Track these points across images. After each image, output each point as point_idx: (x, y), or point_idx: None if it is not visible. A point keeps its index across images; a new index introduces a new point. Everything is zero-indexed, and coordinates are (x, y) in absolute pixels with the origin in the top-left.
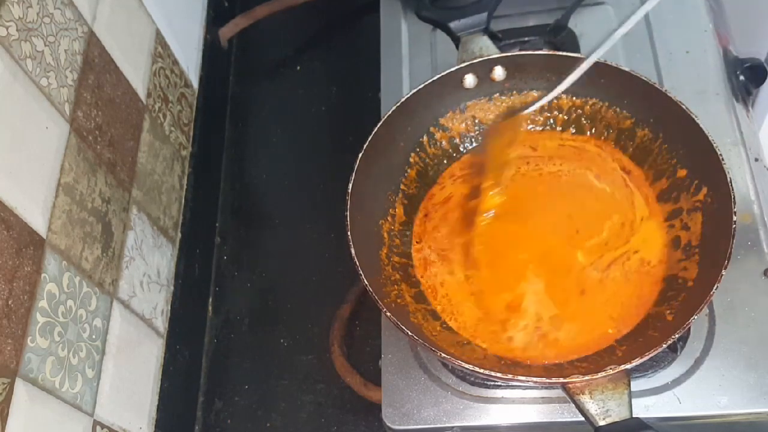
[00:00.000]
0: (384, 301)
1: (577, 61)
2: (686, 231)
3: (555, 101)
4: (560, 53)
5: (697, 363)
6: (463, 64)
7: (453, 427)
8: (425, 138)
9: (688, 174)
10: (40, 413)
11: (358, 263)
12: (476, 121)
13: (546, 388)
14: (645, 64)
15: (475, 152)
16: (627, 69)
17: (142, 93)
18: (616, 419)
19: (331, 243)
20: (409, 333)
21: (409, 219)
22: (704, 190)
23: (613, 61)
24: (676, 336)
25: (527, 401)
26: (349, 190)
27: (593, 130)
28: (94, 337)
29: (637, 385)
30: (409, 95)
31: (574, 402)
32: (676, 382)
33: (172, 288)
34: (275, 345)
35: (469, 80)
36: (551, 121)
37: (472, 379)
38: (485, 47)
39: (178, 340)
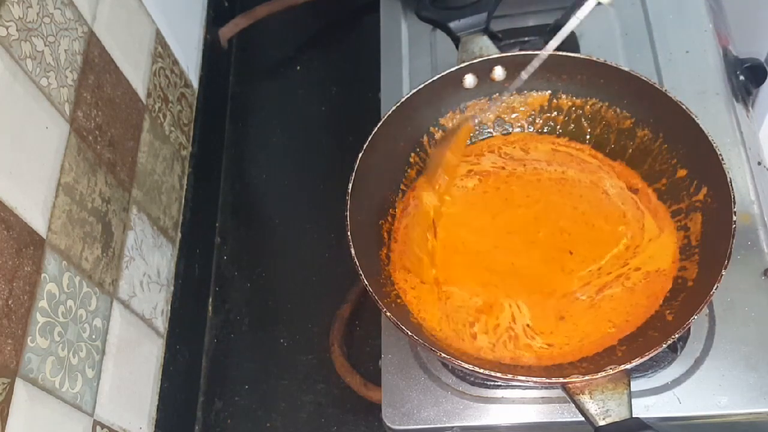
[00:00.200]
0: (384, 301)
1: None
2: (686, 231)
3: (555, 102)
4: (560, 53)
5: (697, 363)
6: (463, 64)
7: (453, 427)
8: (425, 138)
9: (688, 174)
10: (40, 413)
11: (358, 263)
12: (476, 121)
13: (546, 388)
14: (645, 64)
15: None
16: (627, 69)
17: (142, 93)
18: (616, 419)
19: (331, 243)
20: (409, 333)
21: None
22: (704, 190)
23: (613, 61)
24: (676, 336)
25: (527, 401)
26: (349, 190)
27: (591, 135)
28: (94, 337)
29: (637, 385)
30: (409, 95)
31: (574, 402)
32: (676, 382)
33: (172, 288)
34: (275, 345)
35: (469, 80)
36: (551, 123)
37: (472, 379)
38: (485, 47)
39: (178, 340)
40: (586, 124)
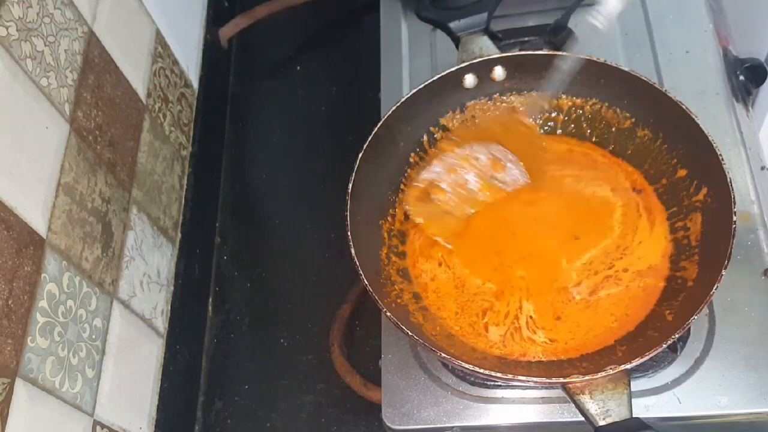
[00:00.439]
0: (384, 301)
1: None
2: (686, 231)
3: (555, 102)
4: (560, 53)
5: (697, 363)
6: (463, 64)
7: (453, 427)
8: (425, 138)
9: (688, 174)
10: (40, 413)
11: (358, 263)
12: (476, 121)
13: (546, 388)
14: (645, 64)
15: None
16: (627, 69)
17: (142, 93)
18: (616, 419)
19: (331, 243)
20: (409, 333)
21: (408, 219)
22: (704, 190)
23: (613, 61)
24: (676, 336)
25: (527, 401)
26: (349, 190)
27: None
28: (94, 337)
29: (637, 385)
30: (409, 95)
31: (574, 402)
32: (676, 382)
33: (172, 288)
34: (275, 345)
35: (469, 80)
36: (551, 123)
37: (472, 379)
38: (485, 47)
39: (178, 340)
40: (585, 125)
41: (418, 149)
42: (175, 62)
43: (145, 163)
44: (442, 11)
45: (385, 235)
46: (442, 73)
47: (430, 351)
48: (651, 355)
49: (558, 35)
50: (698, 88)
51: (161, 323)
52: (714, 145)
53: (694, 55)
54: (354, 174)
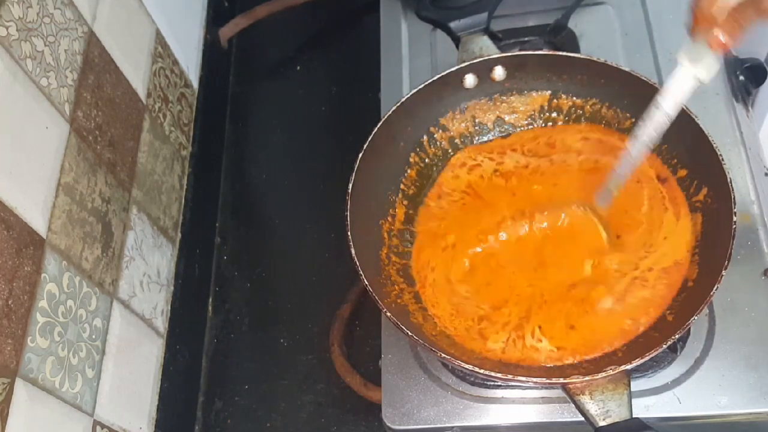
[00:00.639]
0: (384, 301)
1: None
2: None
3: (555, 101)
4: (560, 53)
5: (697, 363)
6: (463, 64)
7: (453, 427)
8: (425, 138)
9: (688, 174)
10: (40, 413)
11: (358, 263)
12: (476, 121)
13: (546, 388)
14: (645, 64)
15: None
16: (627, 69)
17: (142, 93)
18: (617, 419)
19: (331, 243)
20: (409, 333)
21: (408, 219)
22: (704, 190)
23: (613, 61)
24: (676, 336)
25: (527, 401)
26: (349, 190)
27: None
28: (94, 337)
29: (637, 385)
30: (409, 95)
31: (575, 402)
32: (676, 382)
33: (172, 288)
34: (275, 345)
35: (469, 80)
36: (551, 123)
37: (472, 379)
38: (485, 47)
39: (178, 340)
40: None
41: (418, 149)
42: (175, 62)
43: (145, 163)
44: (442, 11)
45: (385, 235)
46: (442, 73)
47: (430, 351)
48: (651, 356)
49: (558, 35)
50: (698, 88)
51: (161, 323)
52: (714, 145)
53: None
54: (354, 174)
